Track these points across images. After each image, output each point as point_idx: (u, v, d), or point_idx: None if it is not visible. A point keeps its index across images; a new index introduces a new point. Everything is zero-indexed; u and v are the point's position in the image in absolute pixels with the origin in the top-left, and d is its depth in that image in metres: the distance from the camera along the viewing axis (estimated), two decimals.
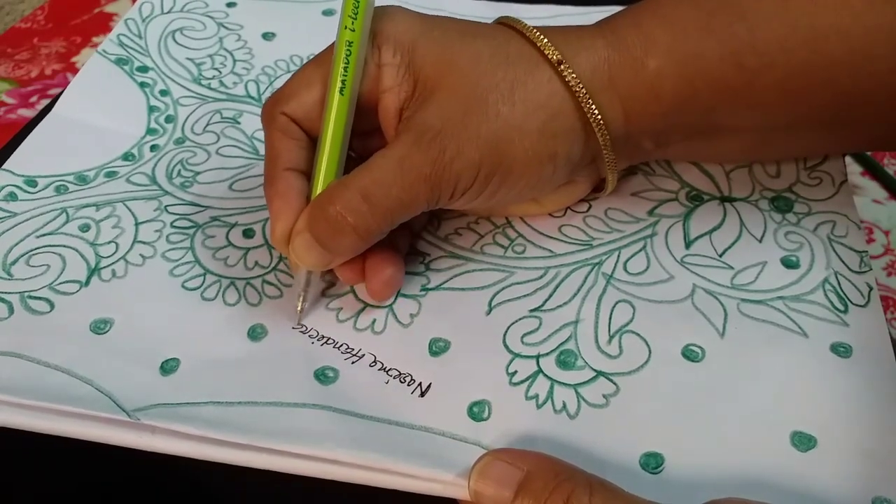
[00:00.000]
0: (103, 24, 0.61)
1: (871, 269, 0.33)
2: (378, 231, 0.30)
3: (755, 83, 0.30)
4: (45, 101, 0.53)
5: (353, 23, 0.31)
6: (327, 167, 0.31)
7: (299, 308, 0.33)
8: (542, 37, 0.31)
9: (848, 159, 0.42)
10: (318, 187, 0.31)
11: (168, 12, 0.49)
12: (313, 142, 0.32)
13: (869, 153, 0.48)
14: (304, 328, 0.33)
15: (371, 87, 0.32)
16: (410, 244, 0.36)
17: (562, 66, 0.30)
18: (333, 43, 0.32)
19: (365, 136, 0.34)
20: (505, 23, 0.33)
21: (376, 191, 0.30)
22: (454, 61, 0.30)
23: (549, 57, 0.30)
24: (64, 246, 0.36)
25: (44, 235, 0.37)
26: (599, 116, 0.31)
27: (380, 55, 0.31)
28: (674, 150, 0.35)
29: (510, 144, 0.30)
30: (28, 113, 0.53)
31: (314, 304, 0.34)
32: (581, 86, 0.30)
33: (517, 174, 0.31)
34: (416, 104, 0.31)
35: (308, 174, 0.32)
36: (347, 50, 0.31)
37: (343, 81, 0.31)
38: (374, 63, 0.31)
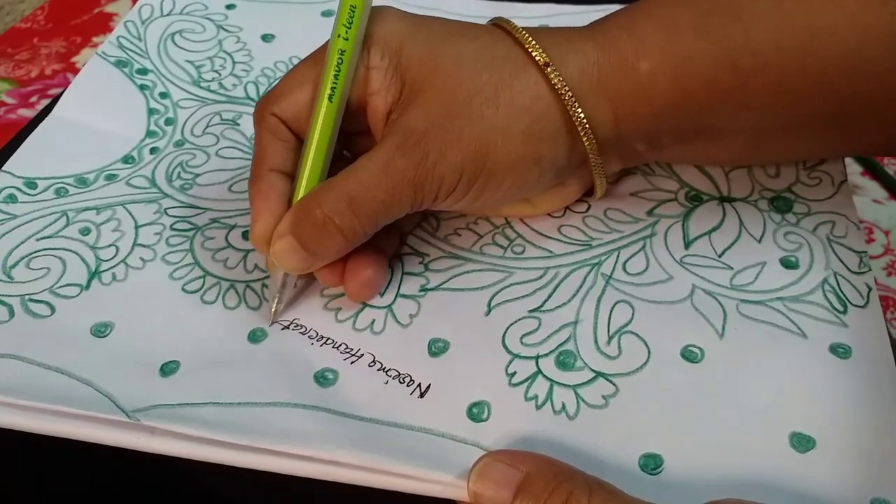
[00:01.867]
0: (103, 24, 0.62)
1: (870, 270, 0.33)
2: (363, 233, 0.31)
3: (750, 84, 0.30)
4: (45, 101, 0.53)
5: (346, 31, 0.31)
6: (311, 171, 0.31)
7: (273, 310, 0.33)
8: (530, 38, 0.31)
9: (848, 159, 0.42)
10: (301, 191, 0.31)
11: (167, 14, 0.49)
12: (301, 143, 0.32)
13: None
14: (303, 329, 0.33)
15: (360, 89, 0.32)
16: (406, 244, 0.36)
17: (548, 69, 0.30)
18: (327, 43, 0.32)
19: (356, 137, 0.34)
20: (496, 23, 0.33)
21: (361, 194, 0.30)
22: (438, 63, 0.31)
23: (537, 59, 0.30)
24: (64, 249, 0.36)
25: (44, 238, 0.37)
26: (585, 120, 0.31)
27: (368, 57, 0.31)
28: (668, 152, 0.35)
29: (493, 147, 0.30)
30: (28, 113, 0.53)
31: (312, 303, 0.34)
32: (567, 89, 0.30)
33: (500, 177, 0.31)
34: (401, 107, 0.31)
35: (293, 176, 0.32)
36: (339, 58, 0.31)
37: (332, 88, 0.31)
38: (364, 65, 0.32)
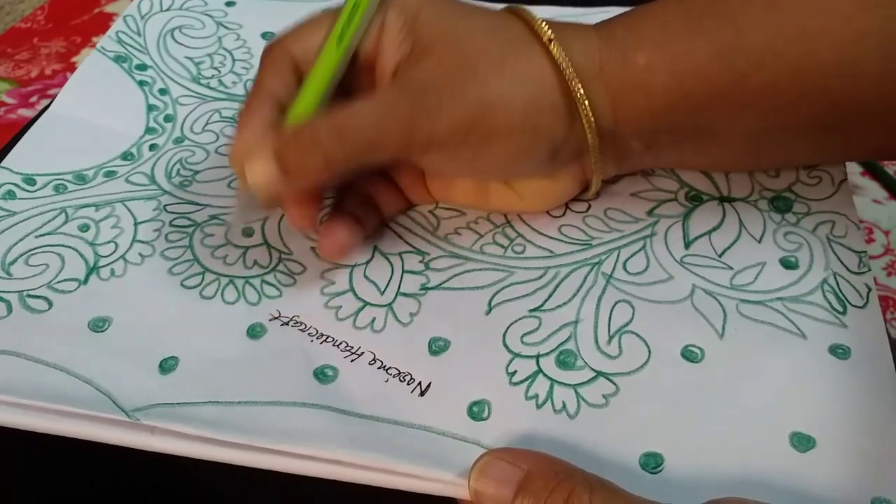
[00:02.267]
0: (103, 24, 0.61)
1: (869, 270, 0.33)
2: (342, 164, 0.30)
3: (745, 84, 0.30)
4: (46, 102, 0.53)
5: None
6: (305, 101, 0.31)
7: (228, 231, 0.33)
8: (540, 20, 0.32)
9: None
10: (292, 117, 0.31)
11: (167, 10, 0.49)
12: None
13: None
14: (303, 326, 0.33)
15: (371, 45, 0.32)
16: (406, 242, 0.36)
17: (552, 45, 0.31)
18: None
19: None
20: (509, 9, 0.33)
21: (350, 122, 0.30)
22: (452, 30, 0.31)
23: (542, 38, 0.31)
24: (63, 245, 0.36)
25: (43, 235, 0.37)
26: (584, 98, 0.31)
27: (385, 17, 0.32)
28: (665, 156, 0.35)
29: (493, 109, 0.30)
30: (28, 113, 0.53)
31: (313, 301, 0.34)
32: (568, 63, 0.31)
33: (496, 142, 0.31)
34: (409, 63, 0.31)
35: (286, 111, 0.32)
36: (355, 3, 0.31)
37: (343, 32, 0.31)
38: (378, 24, 0.32)
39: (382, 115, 0.30)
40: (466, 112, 0.30)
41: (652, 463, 0.28)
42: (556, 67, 0.31)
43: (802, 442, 0.28)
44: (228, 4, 0.50)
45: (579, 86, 0.31)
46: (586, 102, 0.31)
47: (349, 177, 0.33)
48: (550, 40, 0.31)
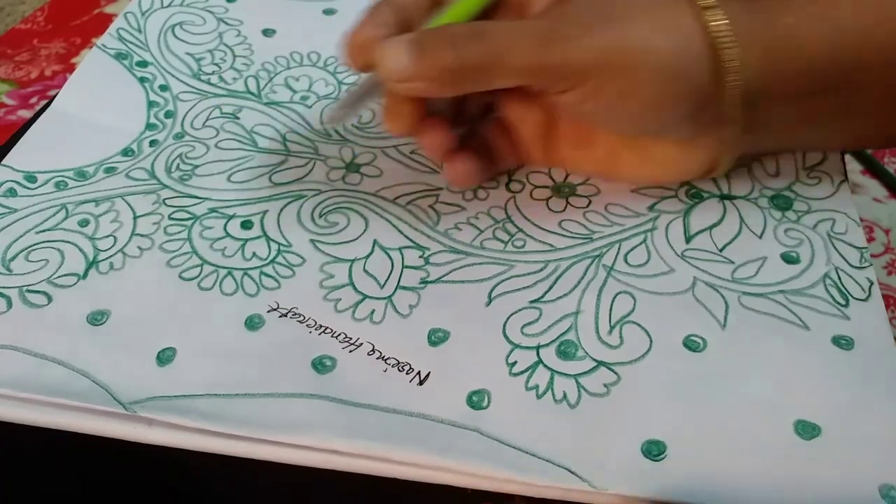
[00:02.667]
0: (103, 25, 0.61)
1: (871, 265, 0.33)
2: (474, 69, 0.30)
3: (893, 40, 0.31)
4: (45, 103, 0.53)
5: None
6: (449, 18, 0.32)
7: (338, 110, 0.32)
8: None
9: (848, 157, 0.42)
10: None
11: (168, 6, 0.49)
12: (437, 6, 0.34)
13: (869, 151, 0.48)
14: (301, 317, 0.33)
15: None
16: (406, 238, 0.36)
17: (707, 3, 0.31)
18: None
19: None
20: None
21: (490, 30, 0.30)
22: None
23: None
24: (63, 241, 0.36)
25: (43, 231, 0.36)
26: (732, 48, 0.31)
27: None
28: (818, 127, 0.34)
29: (637, 49, 0.30)
30: (28, 114, 0.53)
31: (311, 293, 0.34)
32: (721, 13, 0.31)
33: (635, 85, 0.31)
34: (556, 3, 0.32)
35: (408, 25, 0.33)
36: None
37: None
38: None
39: (521, 29, 0.30)
40: (605, 47, 0.30)
41: (654, 450, 0.28)
42: (702, 26, 0.31)
43: (808, 430, 0.28)
44: (229, 1, 0.50)
45: (729, 39, 0.31)
46: (735, 62, 0.31)
47: (476, 102, 0.36)
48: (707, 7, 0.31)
